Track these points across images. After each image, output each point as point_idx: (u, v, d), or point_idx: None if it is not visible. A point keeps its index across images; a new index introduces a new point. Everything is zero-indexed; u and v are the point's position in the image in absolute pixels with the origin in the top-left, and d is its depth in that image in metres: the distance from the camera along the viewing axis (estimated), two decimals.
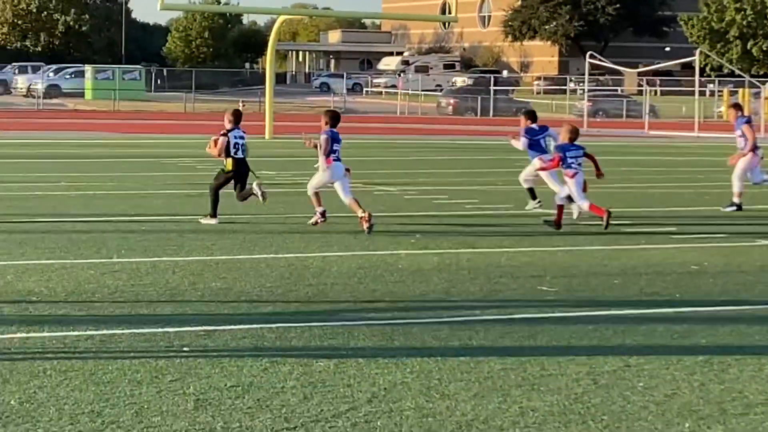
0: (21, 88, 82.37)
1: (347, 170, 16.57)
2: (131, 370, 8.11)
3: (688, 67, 72.63)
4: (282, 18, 50.45)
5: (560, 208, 16.88)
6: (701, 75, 64.83)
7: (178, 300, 10.88)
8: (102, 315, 10.05)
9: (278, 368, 8.24)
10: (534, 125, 18.98)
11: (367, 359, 8.56)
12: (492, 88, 77.40)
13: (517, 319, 10.28)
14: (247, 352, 8.71)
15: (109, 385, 7.72)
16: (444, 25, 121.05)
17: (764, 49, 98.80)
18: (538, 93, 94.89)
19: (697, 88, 58.34)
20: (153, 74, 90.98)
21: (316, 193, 16.68)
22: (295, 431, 6.84)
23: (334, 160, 16.36)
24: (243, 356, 8.57)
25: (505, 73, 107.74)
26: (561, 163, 16.99)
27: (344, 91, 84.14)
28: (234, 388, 7.72)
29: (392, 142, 43.19)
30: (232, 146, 16.88)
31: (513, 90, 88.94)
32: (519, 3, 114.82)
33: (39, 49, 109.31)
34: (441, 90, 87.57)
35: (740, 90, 74.82)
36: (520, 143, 18.95)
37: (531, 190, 19.17)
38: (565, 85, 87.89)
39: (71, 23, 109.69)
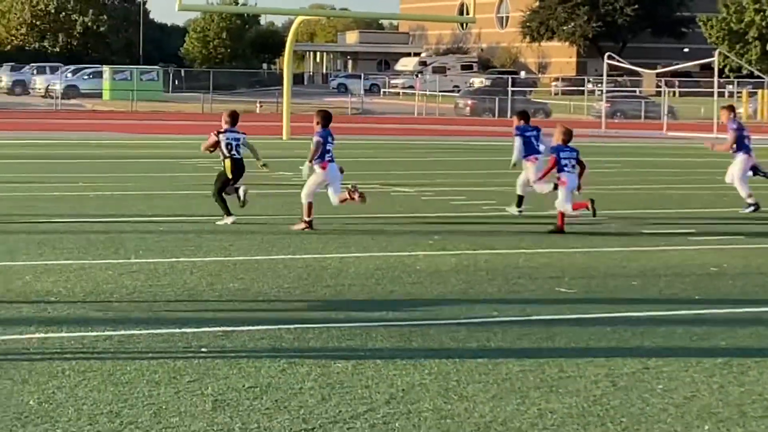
0: (39, 89, 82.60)
1: (341, 170, 16.59)
2: (149, 371, 8.11)
3: (707, 68, 72.42)
4: (300, 19, 50.49)
5: (587, 203, 16.77)
6: (720, 76, 64.60)
7: (196, 300, 10.89)
8: (120, 315, 10.07)
9: (296, 369, 8.24)
10: (528, 125, 19.09)
11: (385, 360, 8.55)
12: (510, 89, 77.31)
13: (535, 320, 10.26)
14: (265, 353, 8.71)
15: (127, 386, 7.73)
16: (462, 25, 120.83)
17: None
18: (555, 94, 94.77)
19: (716, 89, 58.14)
20: (171, 75, 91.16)
21: (311, 203, 16.49)
22: None
23: (329, 161, 16.36)
24: (261, 357, 8.57)
25: (522, 74, 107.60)
26: (556, 163, 16.81)
27: (362, 91, 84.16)
28: (252, 389, 7.72)
29: (409, 143, 43.16)
30: (224, 146, 16.95)
31: (531, 91, 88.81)
32: (537, 4, 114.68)
33: (57, 49, 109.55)
34: (458, 91, 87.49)
35: (759, 91, 74.70)
36: (515, 142, 18.95)
37: (521, 198, 18.91)
38: (583, 86, 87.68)
39: (89, 24, 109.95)
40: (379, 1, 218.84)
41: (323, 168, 16.35)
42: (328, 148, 16.33)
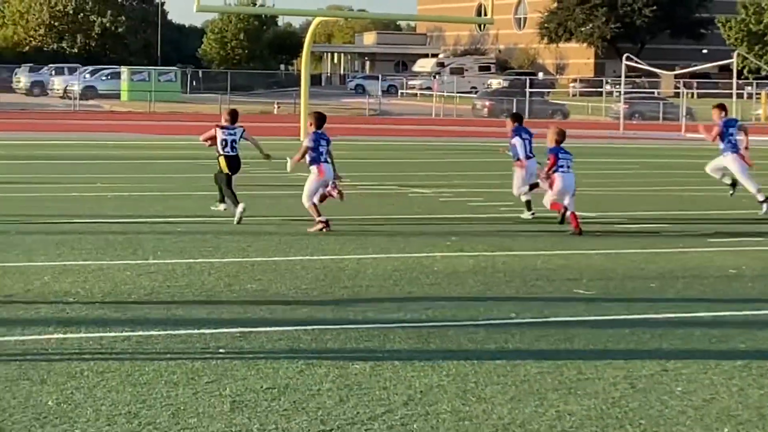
0: (57, 90, 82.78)
1: (337, 176, 16.65)
2: (168, 372, 8.13)
3: (726, 70, 72.22)
4: (317, 20, 50.49)
5: (561, 209, 16.85)
6: (739, 77, 64.44)
7: (213, 301, 10.90)
8: (138, 316, 10.08)
9: (314, 370, 8.24)
10: (522, 127, 19.12)
11: (403, 362, 8.54)
12: (527, 90, 77.14)
13: (553, 322, 10.24)
14: (282, 354, 8.72)
15: (145, 387, 7.74)
16: (479, 26, 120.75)
17: None
18: (573, 95, 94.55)
19: (734, 91, 57.98)
20: (189, 76, 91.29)
21: (314, 204, 16.47)
22: None
23: (323, 162, 16.36)
24: (279, 358, 8.57)
25: (540, 75, 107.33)
26: (555, 162, 16.77)
27: (379, 92, 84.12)
28: (270, 390, 7.72)
29: (427, 144, 43.14)
30: (220, 142, 17.24)
31: (548, 92, 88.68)
32: (555, 5, 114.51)
33: (75, 50, 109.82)
34: (476, 92, 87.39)
35: None
36: (516, 142, 18.91)
37: (529, 202, 18.89)
38: (601, 87, 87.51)
39: (107, 25, 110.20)
40: (397, 2, 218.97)
41: (319, 171, 16.33)
42: (321, 150, 16.33)
